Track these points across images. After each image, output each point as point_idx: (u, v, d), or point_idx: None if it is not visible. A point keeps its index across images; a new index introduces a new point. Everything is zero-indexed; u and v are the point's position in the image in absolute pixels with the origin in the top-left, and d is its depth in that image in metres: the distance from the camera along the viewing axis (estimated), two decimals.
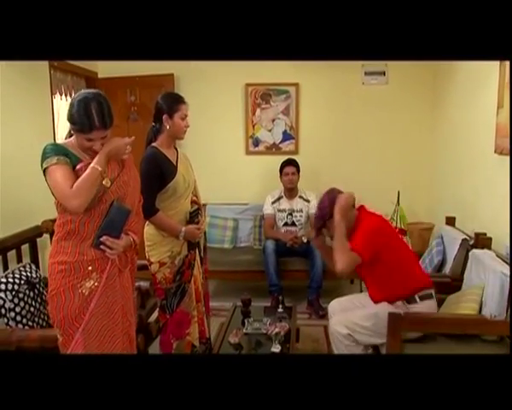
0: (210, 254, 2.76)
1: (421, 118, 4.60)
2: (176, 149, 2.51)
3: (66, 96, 4.18)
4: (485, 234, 2.82)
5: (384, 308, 2.32)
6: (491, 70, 3.01)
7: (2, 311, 2.26)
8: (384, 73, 4.59)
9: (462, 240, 2.95)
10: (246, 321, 2.76)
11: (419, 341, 2.31)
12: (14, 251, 2.92)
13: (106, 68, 4.54)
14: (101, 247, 1.78)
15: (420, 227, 4.22)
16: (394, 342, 2.18)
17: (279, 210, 4.13)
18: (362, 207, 2.55)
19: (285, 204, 4.14)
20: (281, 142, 4.74)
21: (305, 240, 3.90)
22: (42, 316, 2.44)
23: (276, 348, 2.43)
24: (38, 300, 2.45)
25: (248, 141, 4.75)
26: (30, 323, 2.34)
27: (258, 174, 4.64)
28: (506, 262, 2.39)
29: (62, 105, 4.32)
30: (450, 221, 3.38)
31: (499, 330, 2.18)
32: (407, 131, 4.63)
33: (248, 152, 4.77)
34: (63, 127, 4.38)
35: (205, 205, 2.70)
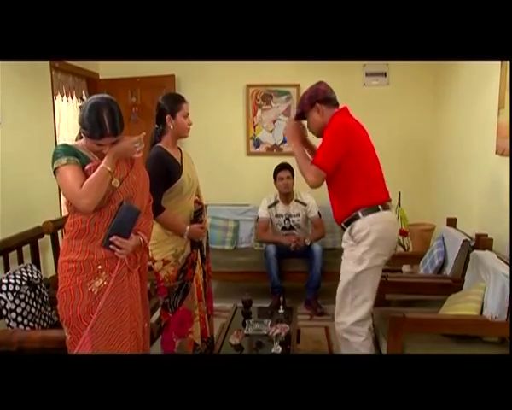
0: (211, 254, 2.77)
1: (423, 119, 4.60)
2: (179, 149, 2.53)
3: (67, 97, 4.19)
4: (486, 235, 2.82)
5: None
6: (492, 71, 3.01)
7: (4, 312, 2.27)
8: (385, 74, 4.59)
9: (463, 241, 2.95)
10: (247, 322, 2.76)
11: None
12: (15, 252, 2.92)
13: (107, 69, 4.55)
14: (111, 246, 1.80)
15: (421, 228, 4.21)
16: (395, 342, 2.18)
17: (276, 215, 4.11)
18: (343, 108, 2.49)
19: (281, 209, 4.09)
20: (282, 143, 4.75)
21: (308, 243, 3.90)
22: (43, 317, 2.45)
23: (277, 350, 2.43)
24: (39, 301, 2.46)
25: (249, 142, 4.76)
26: (31, 324, 2.34)
27: (259, 175, 4.62)
28: (507, 263, 2.38)
29: (63, 106, 4.33)
30: (452, 222, 3.38)
31: (500, 332, 2.18)
32: (408, 132, 4.62)
33: (249, 153, 4.78)
34: (64, 128, 4.40)
35: (206, 206, 2.70)
